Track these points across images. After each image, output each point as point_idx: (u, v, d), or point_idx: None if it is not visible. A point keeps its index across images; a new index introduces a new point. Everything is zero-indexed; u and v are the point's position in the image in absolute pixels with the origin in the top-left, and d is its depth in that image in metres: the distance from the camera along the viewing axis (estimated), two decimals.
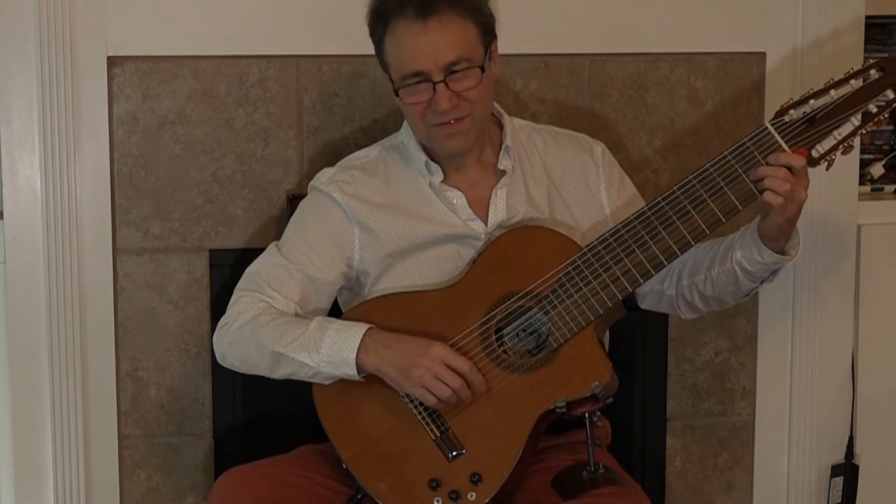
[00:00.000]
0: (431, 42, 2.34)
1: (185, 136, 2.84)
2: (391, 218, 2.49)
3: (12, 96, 2.76)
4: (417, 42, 2.35)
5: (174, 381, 2.90)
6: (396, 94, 2.40)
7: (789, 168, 2.29)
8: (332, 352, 2.37)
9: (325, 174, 2.56)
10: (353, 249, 2.51)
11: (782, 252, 2.38)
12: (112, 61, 2.79)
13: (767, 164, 2.30)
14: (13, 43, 2.74)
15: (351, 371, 2.37)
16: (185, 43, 2.82)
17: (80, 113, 2.78)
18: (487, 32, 2.42)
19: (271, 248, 2.55)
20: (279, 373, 2.44)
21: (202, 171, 2.85)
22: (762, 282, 2.46)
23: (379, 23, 2.41)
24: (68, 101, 2.76)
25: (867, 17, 2.98)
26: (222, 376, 2.87)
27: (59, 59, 2.74)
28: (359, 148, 2.65)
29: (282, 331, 2.41)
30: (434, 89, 2.36)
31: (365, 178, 2.53)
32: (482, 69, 2.38)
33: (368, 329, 2.38)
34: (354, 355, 2.36)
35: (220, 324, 2.52)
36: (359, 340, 2.36)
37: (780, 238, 2.36)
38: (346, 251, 2.52)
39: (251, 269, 2.54)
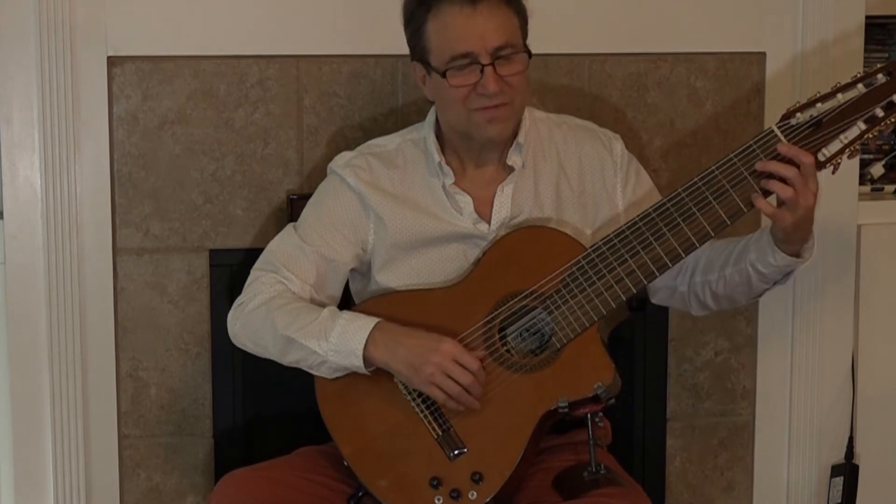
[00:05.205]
0: (480, 25, 2.37)
1: (185, 136, 2.83)
2: (402, 209, 2.50)
3: (12, 96, 2.76)
4: (467, 25, 2.37)
5: (174, 381, 2.89)
6: (443, 75, 2.40)
7: (797, 165, 2.29)
8: (341, 341, 2.38)
9: (343, 157, 2.57)
10: (368, 233, 2.53)
11: (797, 254, 2.39)
12: (112, 61, 2.79)
13: (776, 158, 2.31)
14: (13, 43, 2.74)
15: (358, 362, 2.38)
16: (185, 43, 2.81)
17: (80, 113, 2.77)
18: (524, 26, 2.46)
19: (288, 229, 2.56)
20: (288, 358, 2.44)
21: (202, 171, 2.85)
22: (775, 283, 2.46)
23: (421, 8, 2.43)
24: (68, 101, 2.76)
25: (867, 17, 2.98)
26: (222, 376, 2.88)
27: (59, 59, 2.74)
28: None
29: (294, 315, 2.42)
30: (482, 72, 2.38)
31: (381, 168, 2.54)
32: (529, 54, 2.41)
33: (378, 322, 2.38)
34: (362, 347, 2.36)
35: (235, 303, 2.53)
36: (368, 332, 2.37)
37: (791, 241, 2.36)
38: (361, 234, 2.53)
39: (269, 249, 2.55)
